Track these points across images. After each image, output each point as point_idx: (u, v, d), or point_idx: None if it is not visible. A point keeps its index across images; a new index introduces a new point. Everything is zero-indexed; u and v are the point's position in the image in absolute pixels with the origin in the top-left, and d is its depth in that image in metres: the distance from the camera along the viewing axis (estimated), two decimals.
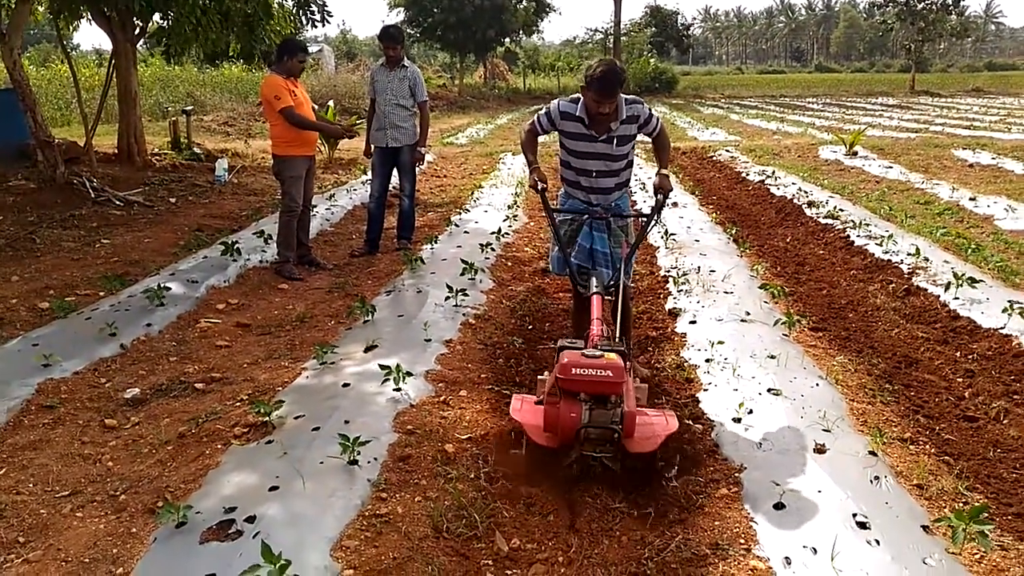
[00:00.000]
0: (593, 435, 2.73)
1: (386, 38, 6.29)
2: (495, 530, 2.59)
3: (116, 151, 10.99)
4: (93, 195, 8.26)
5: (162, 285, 5.06)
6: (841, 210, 7.78)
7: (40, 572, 2.36)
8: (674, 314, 4.90)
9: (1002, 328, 4.32)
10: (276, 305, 5.25)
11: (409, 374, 3.62)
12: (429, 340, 4.21)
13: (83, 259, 6.22)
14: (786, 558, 2.38)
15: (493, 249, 6.45)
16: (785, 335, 4.36)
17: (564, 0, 68.34)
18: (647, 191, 8.94)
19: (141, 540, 2.49)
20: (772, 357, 3.95)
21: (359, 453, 2.84)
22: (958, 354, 4.18)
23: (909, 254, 5.86)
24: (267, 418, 3.19)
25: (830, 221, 7.37)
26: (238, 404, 3.51)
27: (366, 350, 4.08)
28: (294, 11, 11.23)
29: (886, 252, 6.08)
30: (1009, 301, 4.50)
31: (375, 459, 2.91)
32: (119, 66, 10.46)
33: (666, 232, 7.00)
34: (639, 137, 3.72)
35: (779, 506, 2.64)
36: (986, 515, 2.40)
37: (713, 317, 4.66)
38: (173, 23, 9.70)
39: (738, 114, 25.11)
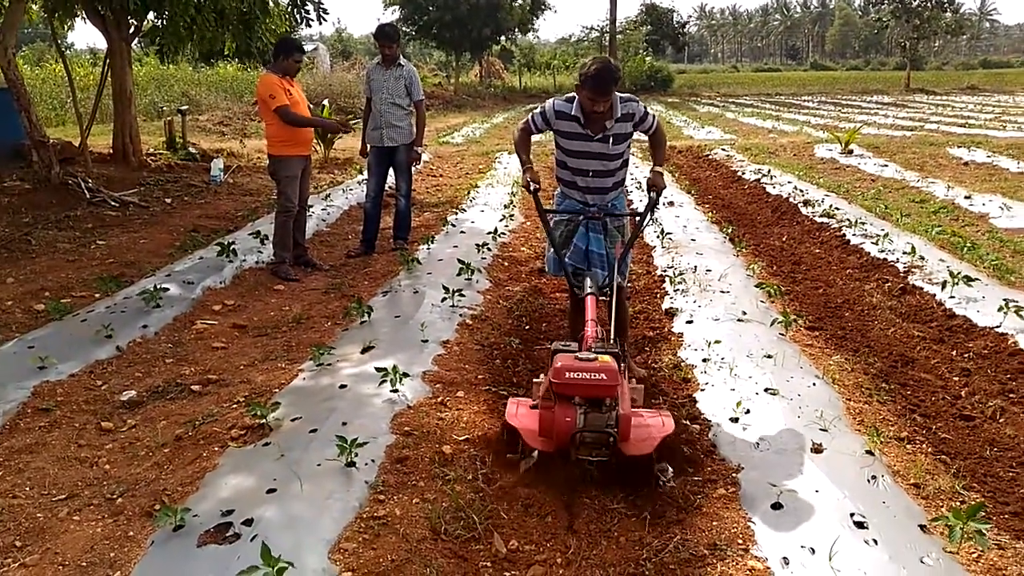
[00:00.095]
0: (589, 439, 2.73)
1: (382, 37, 6.27)
2: (493, 532, 2.59)
3: (111, 151, 10.96)
4: (88, 196, 8.24)
5: (158, 286, 5.05)
6: (837, 209, 7.80)
7: None
8: (671, 314, 4.90)
9: (998, 327, 4.34)
10: (272, 306, 5.24)
11: (406, 375, 3.61)
12: (426, 341, 4.21)
13: (78, 260, 6.21)
14: (784, 558, 2.38)
15: (489, 249, 6.44)
16: (782, 334, 4.37)
17: None
18: (643, 190, 8.94)
19: (138, 543, 2.48)
20: (769, 356, 3.96)
21: (356, 455, 2.84)
22: (954, 353, 4.19)
23: (905, 253, 5.87)
24: (264, 420, 3.18)
25: (826, 220, 7.39)
26: (235, 406, 3.50)
27: (363, 351, 4.08)
28: (289, 9, 11.20)
29: (882, 251, 6.09)
30: (1005, 300, 4.51)
31: (372, 461, 2.90)
32: (114, 65, 10.43)
33: (662, 231, 7.00)
34: (636, 136, 3.71)
35: (777, 506, 2.64)
36: (983, 514, 2.40)
37: (710, 317, 4.67)
38: (167, 22, 9.67)
39: (734, 112, 25.12)
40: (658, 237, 6.86)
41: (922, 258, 5.72)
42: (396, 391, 3.49)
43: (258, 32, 10.52)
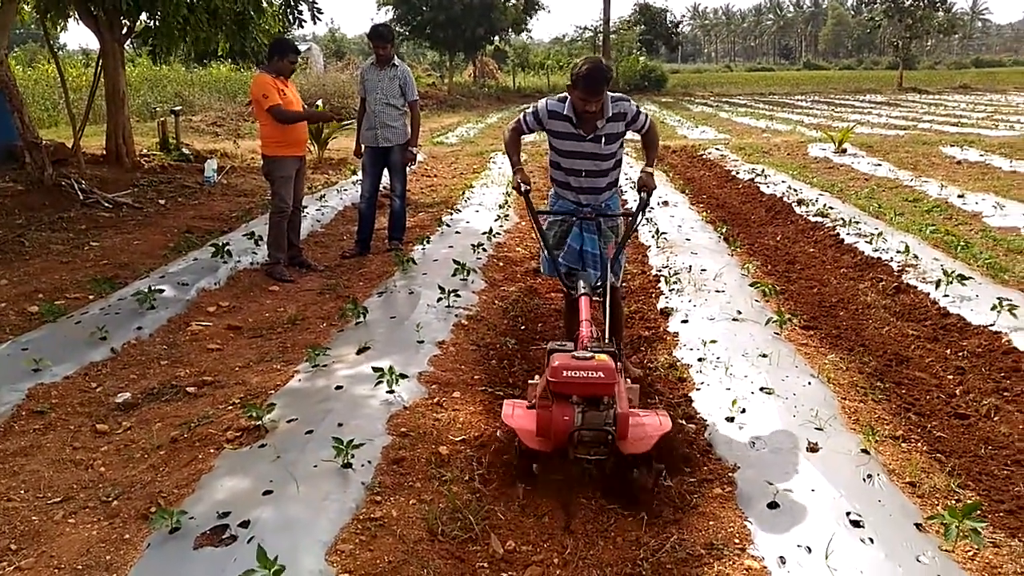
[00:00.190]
0: (586, 438, 2.73)
1: (376, 37, 6.27)
2: (490, 532, 2.59)
3: (104, 152, 10.93)
4: (81, 197, 8.21)
5: (152, 288, 5.03)
6: (831, 208, 7.82)
7: None
8: (666, 313, 4.91)
9: (991, 325, 4.36)
10: (267, 307, 5.23)
11: (402, 376, 3.60)
12: (422, 342, 4.20)
13: (72, 262, 6.18)
14: (780, 557, 2.39)
15: (485, 249, 6.44)
16: (776, 334, 4.38)
17: None
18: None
19: (135, 546, 2.48)
20: (764, 356, 3.97)
21: (353, 456, 2.83)
22: (948, 351, 4.21)
23: (899, 251, 5.89)
24: (260, 422, 3.17)
25: (820, 219, 7.41)
26: (230, 408, 3.49)
27: (358, 352, 4.07)
28: (283, 9, 11.18)
29: (876, 250, 6.11)
30: (998, 298, 4.53)
31: (369, 462, 2.90)
32: (107, 66, 10.40)
33: (657, 231, 7.01)
34: (629, 136, 3.71)
35: (773, 505, 2.65)
36: (978, 512, 2.41)
37: (705, 316, 4.68)
38: (160, 22, 9.64)
39: (727, 112, 25.18)
40: (653, 237, 6.87)
41: (916, 257, 5.74)
42: (392, 392, 3.49)
43: (252, 32, 10.49)
